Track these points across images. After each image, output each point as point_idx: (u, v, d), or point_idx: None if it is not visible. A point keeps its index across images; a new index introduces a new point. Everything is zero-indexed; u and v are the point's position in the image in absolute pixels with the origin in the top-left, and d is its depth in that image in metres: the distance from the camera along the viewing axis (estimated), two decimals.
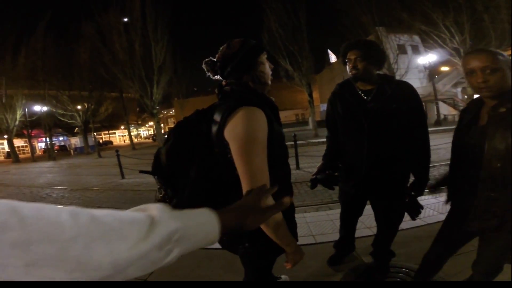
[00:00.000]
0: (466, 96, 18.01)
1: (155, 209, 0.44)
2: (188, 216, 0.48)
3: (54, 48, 20.29)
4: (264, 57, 1.06)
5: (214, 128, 0.92)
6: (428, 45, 15.04)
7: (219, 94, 1.03)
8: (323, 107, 34.66)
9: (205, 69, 1.09)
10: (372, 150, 1.60)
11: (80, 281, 0.35)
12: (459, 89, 22.09)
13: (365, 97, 1.63)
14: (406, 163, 1.62)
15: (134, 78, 16.78)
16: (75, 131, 31.37)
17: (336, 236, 2.43)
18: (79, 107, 22.65)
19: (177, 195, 0.97)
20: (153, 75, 16.86)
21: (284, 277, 1.87)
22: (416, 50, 20.17)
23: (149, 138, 50.17)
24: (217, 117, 0.92)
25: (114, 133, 48.89)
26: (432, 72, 19.76)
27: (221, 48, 1.06)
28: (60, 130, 32.17)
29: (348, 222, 2.07)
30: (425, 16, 13.35)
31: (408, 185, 1.67)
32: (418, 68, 19.91)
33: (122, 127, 45.83)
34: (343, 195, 1.97)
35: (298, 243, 1.02)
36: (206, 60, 1.08)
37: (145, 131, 57.54)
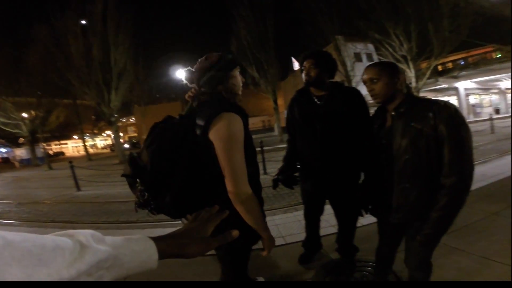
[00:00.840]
0: None
1: (84, 235, 0.42)
2: (123, 244, 0.47)
3: None
4: (237, 71, 1.20)
5: (198, 131, 1.03)
6: (380, 53, 16.38)
7: (196, 102, 1.14)
8: (287, 114, 35.87)
9: (184, 77, 1.19)
10: (325, 150, 1.76)
11: (80, 281, 0.37)
12: None
13: (318, 102, 1.79)
14: (356, 162, 1.74)
15: (90, 84, 15.58)
16: (19, 141, 28.09)
17: (302, 236, 2.52)
18: (25, 115, 20.42)
19: (158, 197, 1.02)
20: (111, 81, 15.84)
21: (259, 278, 1.90)
22: (370, 58, 21.39)
23: (106, 148, 46.80)
24: (200, 121, 1.04)
25: (66, 143, 44.82)
26: None
27: (199, 59, 1.18)
28: (3, 141, 28.54)
29: (312, 220, 2.18)
30: (379, 25, 14.64)
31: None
32: None
33: (76, 136, 42.26)
34: (304, 195, 2.08)
35: None
36: (186, 69, 1.21)
37: (102, 141, 53.65)
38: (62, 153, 40.20)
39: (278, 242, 2.58)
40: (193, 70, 1.18)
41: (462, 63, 22.61)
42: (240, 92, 1.23)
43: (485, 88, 24.48)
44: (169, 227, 3.44)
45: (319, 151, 1.77)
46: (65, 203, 5.99)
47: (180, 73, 12.48)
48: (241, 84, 1.23)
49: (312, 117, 1.78)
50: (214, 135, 1.01)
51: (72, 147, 45.83)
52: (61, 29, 15.21)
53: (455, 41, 13.38)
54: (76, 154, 40.62)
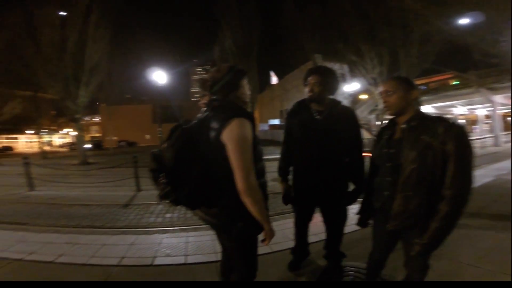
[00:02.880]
0: (379, 122, 21.25)
1: None
2: None
3: None
4: (245, 80, 1.35)
5: (213, 134, 1.19)
6: (354, 74, 17.45)
7: (209, 108, 1.28)
8: (262, 126, 36.15)
9: (197, 85, 1.32)
10: (319, 162, 1.85)
11: (80, 281, 0.31)
12: (373, 116, 25.71)
13: (317, 117, 1.88)
14: (345, 174, 1.91)
15: (58, 76, 14.39)
16: None
17: (288, 244, 2.61)
18: None
19: (178, 189, 1.17)
20: (82, 75, 14.81)
21: None
22: (343, 78, 22.30)
23: (64, 147, 43.08)
24: (214, 125, 1.19)
25: (17, 138, 40.55)
26: (354, 99, 22.69)
27: (211, 69, 1.34)
28: None
29: (301, 227, 2.20)
30: (356, 47, 15.83)
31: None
32: (344, 95, 22.09)
33: (30, 131, 38.49)
34: (295, 203, 2.12)
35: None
36: (199, 78, 1.37)
37: (60, 139, 49.46)
38: (10, 148, 36.20)
39: (264, 250, 2.52)
40: (206, 79, 1.32)
41: (424, 88, 24.49)
42: (248, 100, 1.38)
43: (442, 114, 27.06)
44: (133, 234, 3.24)
45: (315, 162, 1.86)
46: (15, 203, 5.31)
47: (156, 76, 12.10)
48: (248, 92, 1.38)
49: (310, 130, 1.88)
50: (226, 137, 1.15)
51: (25, 142, 41.57)
52: (39, 17, 13.95)
53: (421, 67, 14.87)
54: (27, 150, 36.76)
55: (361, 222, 1.64)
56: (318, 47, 18.17)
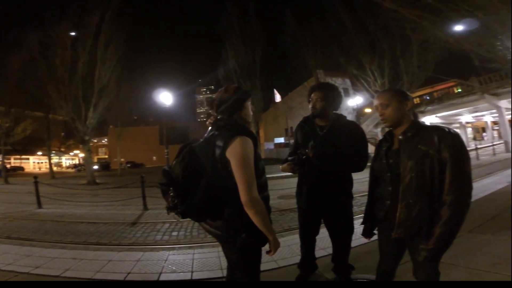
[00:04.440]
0: None
1: None
2: None
3: None
4: (249, 102, 1.45)
5: (218, 151, 1.28)
6: (356, 88, 17.53)
7: (215, 127, 1.38)
8: (268, 145, 36.11)
9: (206, 105, 1.34)
10: (320, 176, 1.88)
11: (80, 281, 0.33)
12: (379, 129, 25.43)
13: (319, 132, 1.94)
14: (350, 186, 1.95)
15: (69, 97, 14.83)
16: None
17: (294, 260, 2.58)
18: None
19: (185, 202, 1.24)
20: (91, 97, 15.25)
21: None
22: (346, 93, 22.57)
23: (71, 168, 43.59)
24: (219, 142, 1.28)
25: (28, 158, 41.35)
26: (358, 114, 22.56)
27: (219, 89, 1.44)
28: None
29: (307, 240, 2.17)
30: (357, 61, 16.06)
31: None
32: (348, 109, 22.02)
33: (40, 152, 39.24)
34: (301, 216, 2.13)
35: (262, 268, 1.41)
36: (208, 98, 1.59)
37: (68, 160, 50.25)
38: (21, 168, 36.81)
39: (270, 266, 2.52)
40: (214, 99, 1.42)
41: (428, 98, 24.03)
42: (250, 120, 1.50)
43: (448, 123, 26.47)
44: (140, 251, 3.22)
45: (316, 177, 1.90)
46: (23, 220, 5.38)
47: (162, 97, 12.36)
48: (251, 113, 1.49)
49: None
50: (230, 153, 1.24)
51: (34, 163, 42.33)
52: (52, 38, 14.61)
53: (422, 76, 14.89)
54: (36, 170, 37.37)
55: (366, 233, 1.63)
56: (320, 62, 18.51)
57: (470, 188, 1.25)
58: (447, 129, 1.30)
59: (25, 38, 15.91)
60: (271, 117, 35.52)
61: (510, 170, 7.40)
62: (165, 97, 12.41)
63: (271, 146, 34.44)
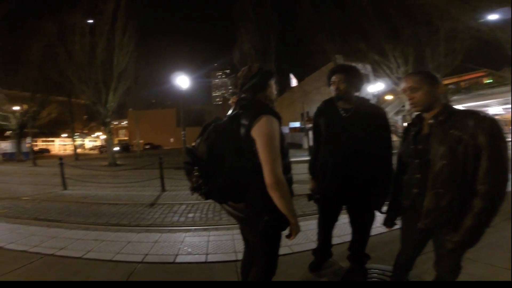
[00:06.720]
0: (406, 123, 20.28)
1: None
2: None
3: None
4: (273, 81, 1.41)
5: (243, 130, 1.24)
6: (377, 74, 16.81)
7: (238, 106, 1.33)
8: (283, 129, 35.93)
9: (229, 83, 1.28)
10: (346, 159, 1.81)
11: (80, 281, 0.31)
12: (400, 117, 24.66)
13: (344, 114, 1.85)
14: (374, 172, 1.82)
15: (89, 82, 15.31)
16: (5, 134, 27.11)
17: (309, 246, 2.59)
18: (16, 107, 19.81)
19: (209, 182, 1.23)
20: (111, 81, 15.64)
21: None
22: (367, 79, 21.60)
23: (94, 149, 45.61)
24: (244, 121, 1.24)
25: (53, 141, 43.59)
26: (378, 100, 21.95)
27: (242, 69, 1.41)
28: None
29: (326, 227, 2.14)
30: (379, 47, 15.26)
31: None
32: (368, 96, 21.90)
33: (64, 135, 41.19)
34: (321, 202, 2.05)
35: None
36: (231, 76, 1.51)
37: (91, 142, 52.45)
38: (47, 150, 38.92)
39: (285, 251, 2.51)
40: (238, 78, 1.39)
41: (454, 87, 22.97)
42: (274, 99, 1.44)
43: None
44: (157, 232, 3.31)
45: (342, 160, 1.82)
46: (50, 201, 5.69)
47: (179, 81, 12.42)
48: (275, 92, 1.44)
49: (337, 128, 1.85)
50: (256, 132, 1.20)
51: (59, 145, 44.58)
52: (69, 25, 14.97)
53: (450, 65, 13.98)
54: (61, 152, 39.39)
55: (388, 222, 1.57)
56: (339, 47, 17.77)
57: (506, 178, 1.14)
58: (483, 114, 1.19)
59: (43, 26, 16.38)
60: (287, 101, 35.04)
61: None
62: (182, 81, 12.47)
63: (286, 130, 34.23)
